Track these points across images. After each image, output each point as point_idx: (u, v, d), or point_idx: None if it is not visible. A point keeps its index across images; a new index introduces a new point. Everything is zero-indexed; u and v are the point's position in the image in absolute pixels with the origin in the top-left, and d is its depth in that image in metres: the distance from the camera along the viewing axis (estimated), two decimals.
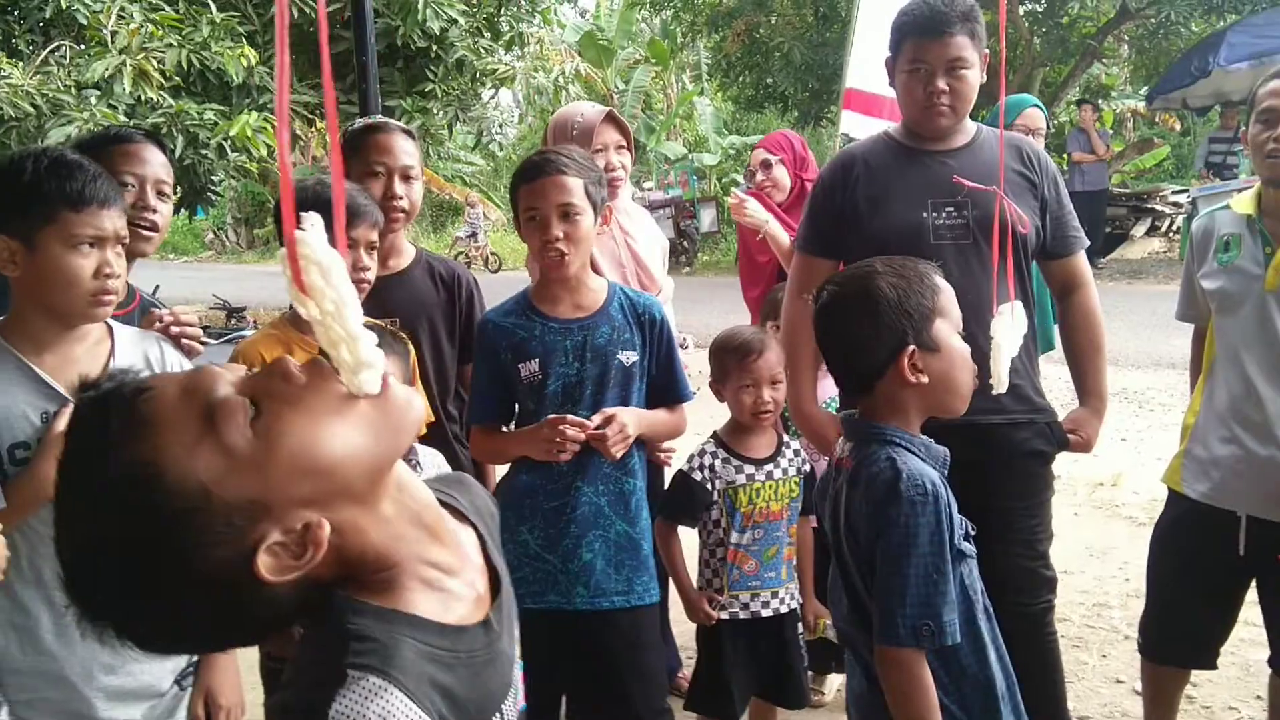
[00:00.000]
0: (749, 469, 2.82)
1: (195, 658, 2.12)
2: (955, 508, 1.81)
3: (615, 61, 21.93)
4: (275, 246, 22.80)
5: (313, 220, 0.97)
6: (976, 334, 2.25)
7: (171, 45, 6.31)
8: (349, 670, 0.93)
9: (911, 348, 1.83)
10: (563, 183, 2.42)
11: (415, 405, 1.03)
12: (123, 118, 5.86)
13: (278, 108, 0.92)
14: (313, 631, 1.01)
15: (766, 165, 4.11)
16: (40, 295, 1.94)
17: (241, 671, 2.18)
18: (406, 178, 2.76)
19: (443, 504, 1.15)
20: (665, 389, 2.61)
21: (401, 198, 2.74)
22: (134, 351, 2.08)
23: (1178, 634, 2.90)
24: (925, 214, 2.64)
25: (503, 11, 9.22)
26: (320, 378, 0.98)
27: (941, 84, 2.62)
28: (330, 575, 0.99)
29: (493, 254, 21.04)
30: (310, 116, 8.85)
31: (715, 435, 2.90)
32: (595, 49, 21.45)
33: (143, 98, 6.06)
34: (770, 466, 2.86)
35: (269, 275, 19.32)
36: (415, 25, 7.76)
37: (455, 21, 8.16)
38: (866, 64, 5.96)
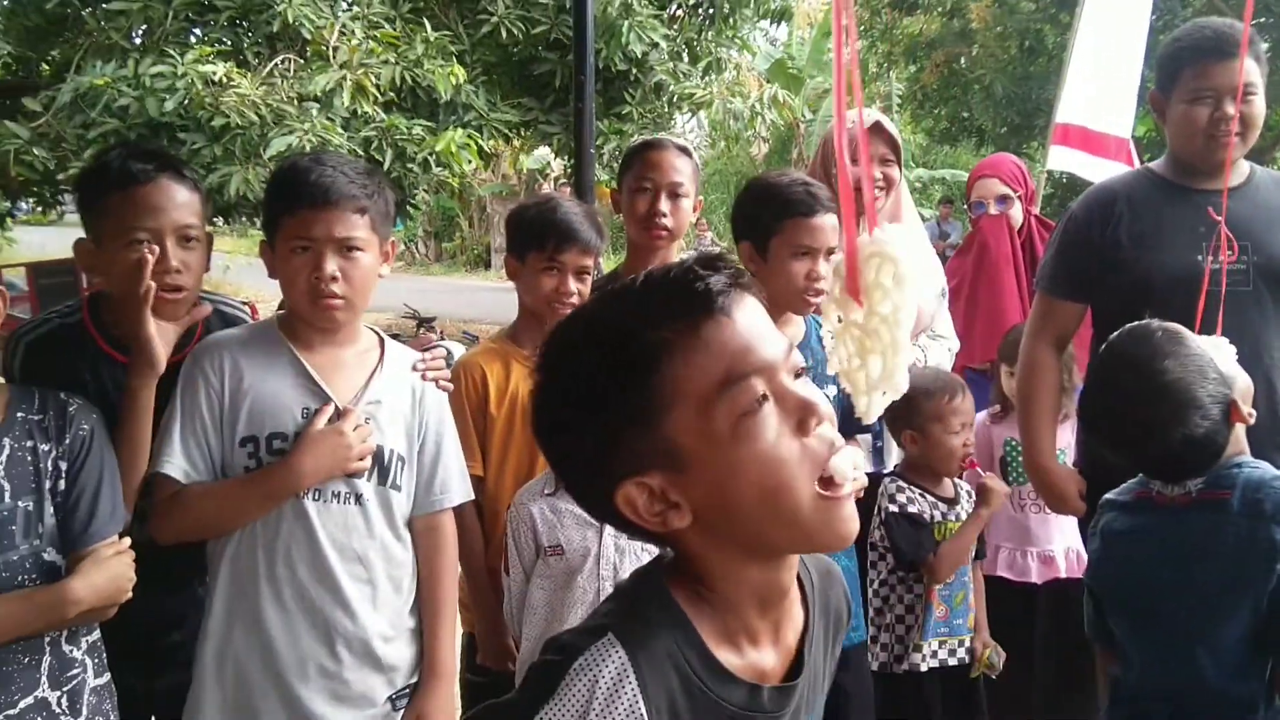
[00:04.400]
0: (942, 507, 2.73)
1: (413, 679, 2.11)
2: None
3: (804, 90, 21.74)
4: (462, 260, 23.44)
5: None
6: (1257, 388, 2.07)
7: (388, 62, 6.52)
8: (610, 630, 1.02)
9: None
10: (834, 222, 2.40)
11: (848, 528, 1.03)
12: (340, 130, 6.07)
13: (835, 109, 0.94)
14: (630, 581, 1.12)
15: (1005, 200, 3.87)
16: (286, 296, 1.99)
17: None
18: (674, 195, 2.72)
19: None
20: (853, 420, 2.50)
21: (665, 215, 2.70)
22: (402, 369, 2.11)
23: None
24: (1200, 257, 2.44)
25: (702, 36, 9.20)
26: (812, 457, 1.01)
27: (1230, 110, 2.42)
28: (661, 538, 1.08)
29: None
30: (508, 134, 9.02)
31: (896, 473, 2.80)
32: (785, 77, 21.34)
33: (358, 111, 6.27)
34: (958, 508, 2.77)
35: (457, 288, 19.88)
36: (618, 48, 7.82)
37: (656, 45, 8.18)
38: (1084, 99, 5.67)
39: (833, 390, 2.43)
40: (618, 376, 0.99)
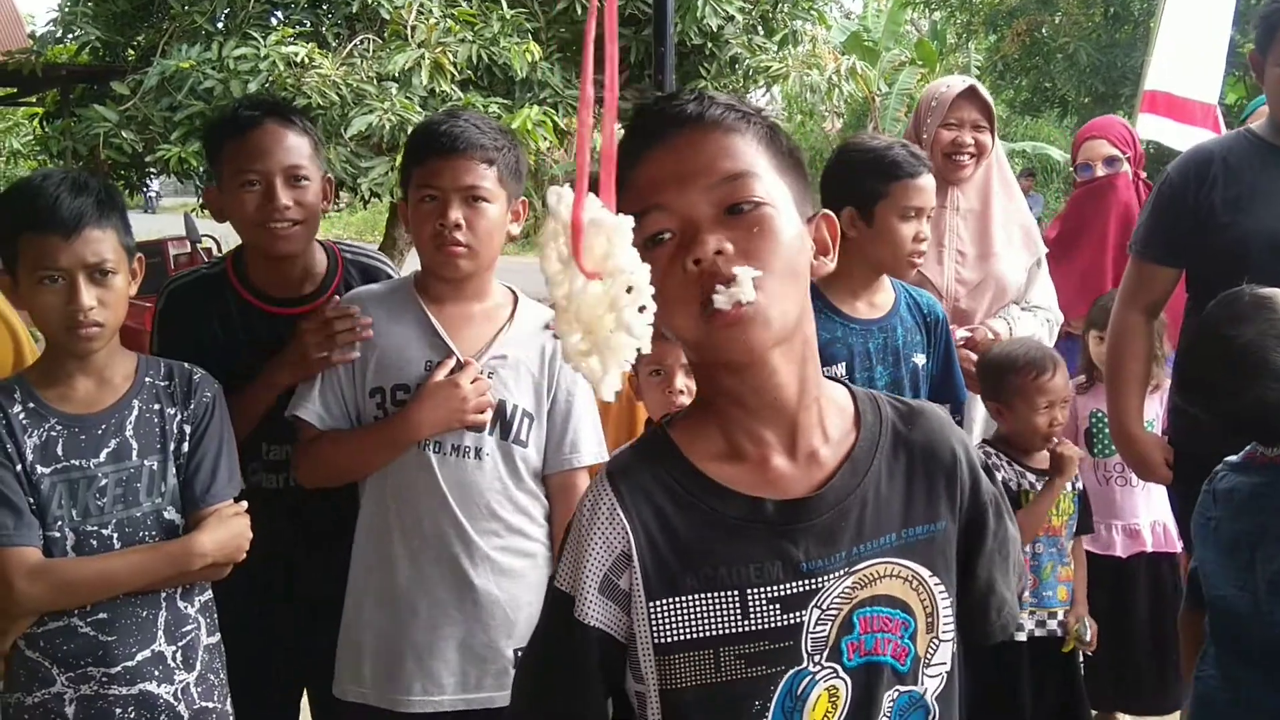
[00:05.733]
0: (1030, 477, 2.69)
1: None
2: None
3: (880, 63, 21.42)
4: (535, 239, 23.56)
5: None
6: None
7: (465, 40, 6.56)
8: (605, 467, 1.20)
9: None
10: (933, 182, 2.38)
11: (728, 345, 1.10)
12: (419, 109, 6.13)
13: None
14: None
15: (1113, 161, 3.76)
16: (416, 248, 2.10)
17: None
18: None
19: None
20: (942, 391, 2.50)
21: None
22: (533, 327, 2.13)
23: None
24: None
25: (778, 9, 9.11)
26: (689, 286, 1.09)
27: None
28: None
29: None
30: None
31: (989, 441, 2.76)
32: (860, 49, 21.03)
33: (436, 90, 6.33)
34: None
35: (530, 266, 19.99)
36: (693, 22, 7.77)
37: (732, 18, 8.11)
38: (1173, 66, 5.52)
39: (921, 359, 2.40)
40: (622, 156, 1.11)
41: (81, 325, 1.82)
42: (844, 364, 2.29)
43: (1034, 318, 2.97)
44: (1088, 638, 2.78)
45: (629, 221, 0.96)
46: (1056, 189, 17.45)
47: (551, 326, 2.13)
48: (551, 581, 1.19)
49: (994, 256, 2.98)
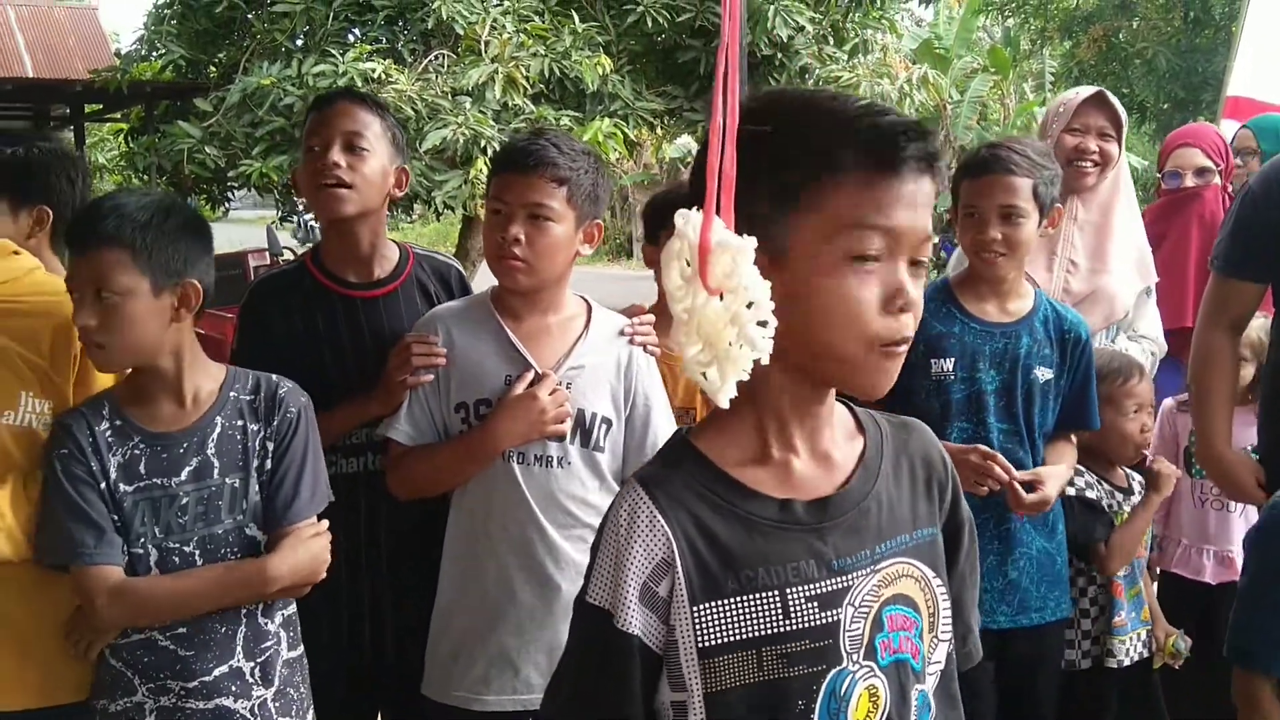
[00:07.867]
0: (1119, 495, 2.63)
1: None
2: None
3: (951, 71, 21.18)
4: (604, 249, 23.68)
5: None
6: None
7: (537, 55, 6.64)
8: (635, 478, 1.18)
9: None
10: (1010, 183, 2.28)
11: (886, 382, 1.11)
12: (491, 123, 6.21)
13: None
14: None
15: (1205, 173, 3.65)
16: None
17: None
18: None
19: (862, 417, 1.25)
20: (1073, 412, 2.45)
21: None
22: (608, 335, 2.18)
23: None
24: None
25: (848, 19, 9.06)
26: (882, 329, 1.11)
27: None
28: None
29: None
30: (652, 122, 9.07)
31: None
32: (931, 57, 20.78)
33: (509, 104, 6.40)
34: (1133, 499, 2.68)
35: (599, 277, 20.05)
36: (764, 33, 7.76)
37: (802, 29, 8.08)
38: (1256, 71, 5.41)
39: (1046, 374, 2.35)
40: (800, 153, 1.09)
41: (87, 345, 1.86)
42: (953, 359, 2.29)
43: (1140, 349, 2.90)
44: (1185, 650, 2.72)
45: (752, 242, 0.98)
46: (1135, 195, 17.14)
47: (626, 333, 2.17)
48: (583, 598, 1.18)
49: (1108, 273, 2.91)
